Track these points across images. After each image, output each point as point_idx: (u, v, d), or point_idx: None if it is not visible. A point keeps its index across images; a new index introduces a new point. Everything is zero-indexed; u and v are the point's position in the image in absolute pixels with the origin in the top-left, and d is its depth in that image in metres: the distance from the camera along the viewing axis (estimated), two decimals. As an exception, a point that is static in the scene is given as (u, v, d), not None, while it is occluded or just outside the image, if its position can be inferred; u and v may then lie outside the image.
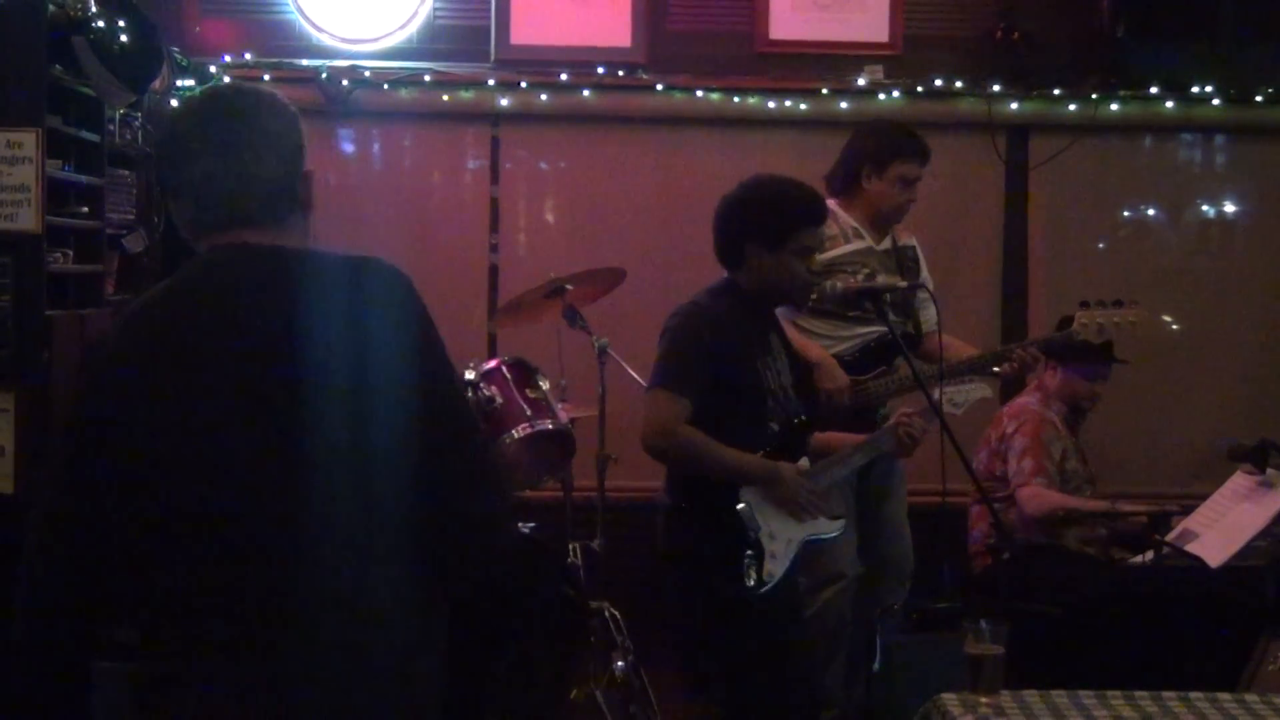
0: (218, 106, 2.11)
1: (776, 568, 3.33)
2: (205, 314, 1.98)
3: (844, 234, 4.30)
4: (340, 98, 5.32)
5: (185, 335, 1.97)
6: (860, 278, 4.16)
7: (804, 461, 3.47)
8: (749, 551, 3.30)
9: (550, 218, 5.68)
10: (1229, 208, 5.80)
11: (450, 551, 2.01)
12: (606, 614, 4.56)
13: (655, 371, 3.41)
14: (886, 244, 4.40)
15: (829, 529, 3.49)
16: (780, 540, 3.35)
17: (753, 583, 3.29)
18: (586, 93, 5.45)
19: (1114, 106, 5.52)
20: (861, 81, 5.44)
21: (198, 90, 2.22)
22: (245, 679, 1.92)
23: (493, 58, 5.44)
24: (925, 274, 4.51)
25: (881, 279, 4.19)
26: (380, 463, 1.94)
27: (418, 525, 1.97)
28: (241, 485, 1.92)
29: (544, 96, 5.45)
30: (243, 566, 1.92)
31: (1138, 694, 2.82)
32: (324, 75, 5.27)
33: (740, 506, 3.31)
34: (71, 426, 2.04)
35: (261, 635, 1.91)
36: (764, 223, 3.42)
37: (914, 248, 4.51)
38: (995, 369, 4.31)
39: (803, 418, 3.49)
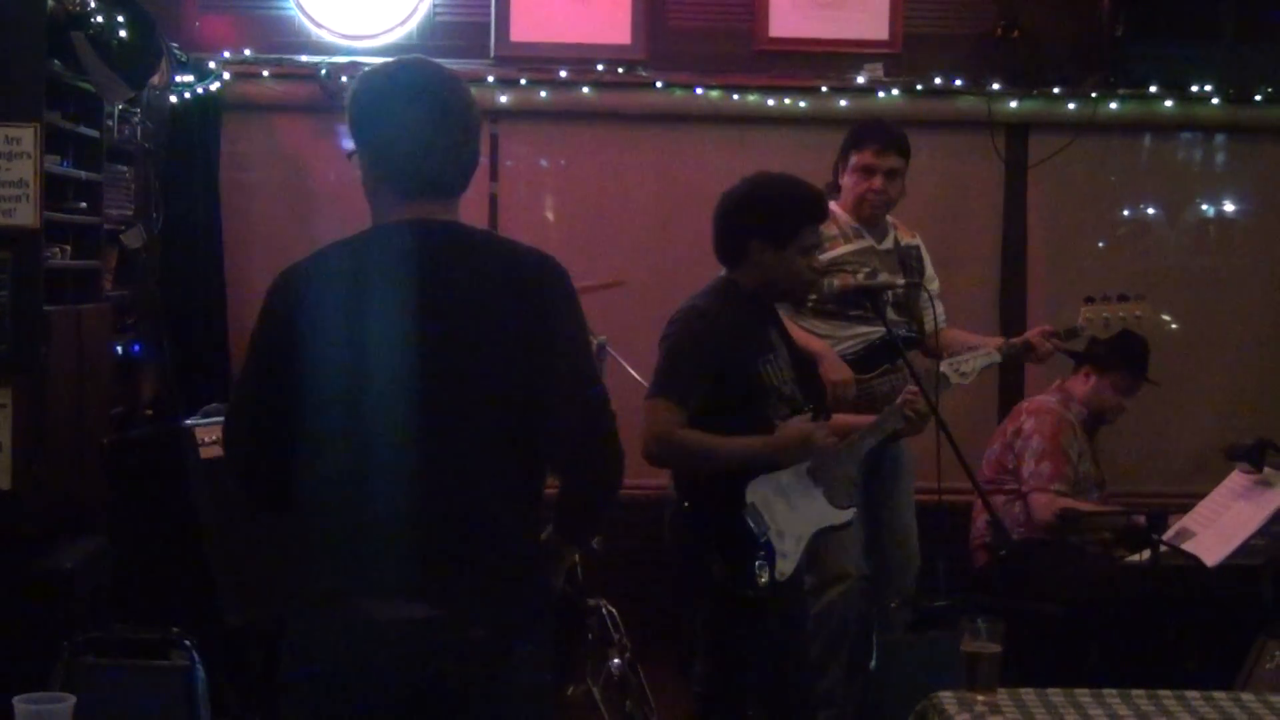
0: (425, 82, 2.33)
1: (788, 565, 3.31)
2: (378, 270, 2.27)
3: (844, 234, 4.30)
4: (340, 94, 5.32)
5: (359, 281, 2.27)
6: (860, 276, 4.15)
7: None
8: (760, 554, 3.28)
9: (549, 215, 5.67)
10: (1228, 207, 5.80)
11: (573, 441, 2.34)
12: (603, 611, 4.56)
13: (653, 379, 3.39)
14: (888, 243, 4.40)
15: (838, 518, 3.46)
16: (790, 537, 3.33)
17: (765, 582, 3.27)
18: (586, 90, 5.44)
19: (1113, 105, 5.52)
20: (861, 79, 5.44)
21: (391, 61, 2.44)
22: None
23: (492, 54, 5.43)
24: (931, 274, 4.50)
25: (882, 278, 4.18)
26: (514, 407, 2.26)
27: (534, 445, 2.30)
28: (391, 410, 2.21)
29: (543, 93, 5.45)
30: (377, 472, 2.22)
31: (1134, 692, 2.82)
32: (323, 72, 5.25)
33: (747, 507, 3.29)
34: (255, 335, 2.36)
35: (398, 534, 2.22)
36: (770, 219, 3.41)
37: (918, 248, 4.50)
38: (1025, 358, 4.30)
39: (808, 408, 3.47)
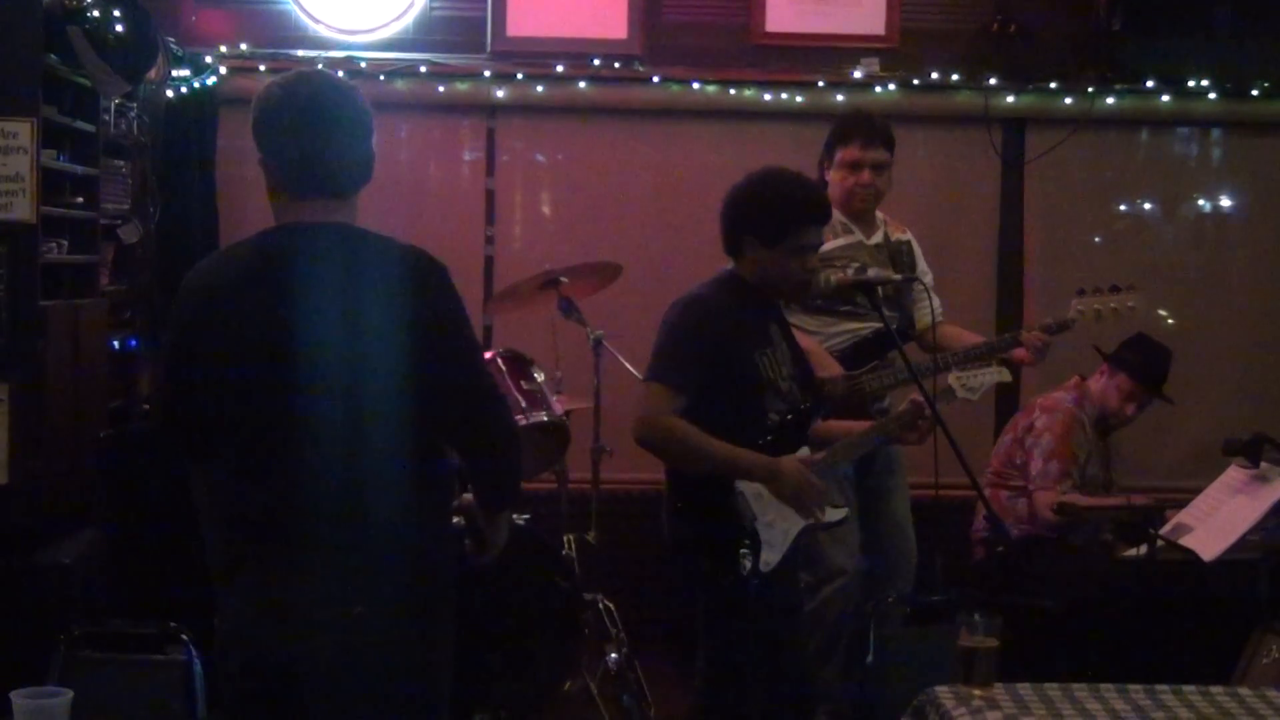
0: (314, 93, 2.46)
1: (773, 555, 3.31)
2: (268, 269, 2.40)
3: (833, 229, 4.28)
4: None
5: (250, 279, 2.40)
6: (850, 271, 4.14)
7: (804, 450, 3.45)
8: (746, 541, 3.27)
9: (546, 209, 5.67)
10: (1225, 202, 5.80)
11: (469, 436, 2.52)
12: (600, 606, 4.57)
13: (650, 364, 3.40)
14: (878, 238, 4.39)
15: (830, 516, 3.45)
16: (778, 529, 3.33)
17: (749, 570, 3.27)
18: (582, 84, 5.44)
19: (1110, 100, 5.53)
20: (857, 74, 5.44)
21: (288, 75, 2.57)
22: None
23: (489, 49, 5.43)
24: (923, 268, 4.49)
25: (873, 272, 4.17)
26: (389, 399, 2.39)
27: (426, 437, 2.45)
28: (274, 407, 2.37)
29: (540, 88, 5.45)
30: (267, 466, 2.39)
31: (1131, 687, 2.82)
32: (320, 66, 5.25)
33: (737, 495, 3.29)
34: (166, 340, 2.56)
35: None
36: (763, 219, 3.40)
37: (909, 243, 4.49)
38: (1004, 356, 4.26)
39: (806, 405, 3.46)
